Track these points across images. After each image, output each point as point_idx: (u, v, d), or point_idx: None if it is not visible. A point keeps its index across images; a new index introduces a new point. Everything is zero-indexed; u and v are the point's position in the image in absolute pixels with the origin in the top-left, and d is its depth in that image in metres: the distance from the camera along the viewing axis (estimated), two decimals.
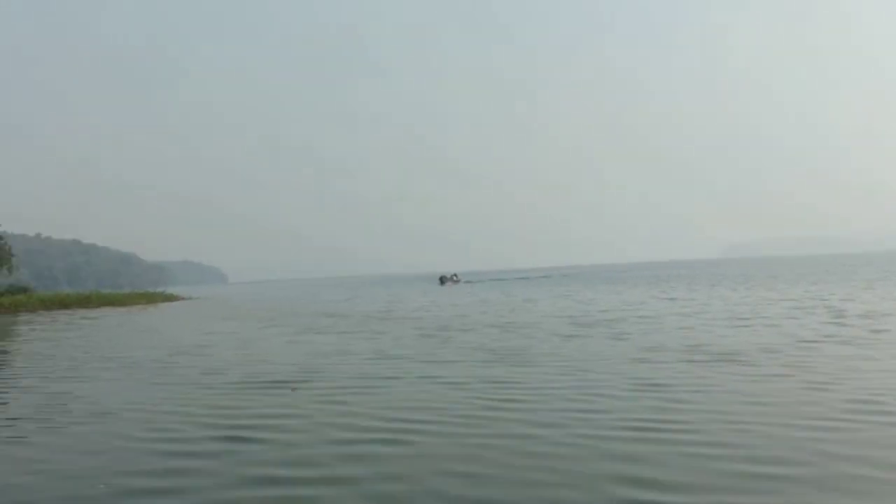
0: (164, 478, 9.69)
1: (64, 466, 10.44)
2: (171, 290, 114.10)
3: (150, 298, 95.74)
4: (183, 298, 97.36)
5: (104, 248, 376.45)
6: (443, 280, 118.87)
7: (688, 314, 32.69)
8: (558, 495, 8.38)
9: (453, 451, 10.45)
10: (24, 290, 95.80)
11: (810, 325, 25.73)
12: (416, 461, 10.00)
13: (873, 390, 13.38)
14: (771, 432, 10.65)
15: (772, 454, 9.61)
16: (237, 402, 15.01)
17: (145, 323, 48.19)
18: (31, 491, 9.41)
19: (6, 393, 18.15)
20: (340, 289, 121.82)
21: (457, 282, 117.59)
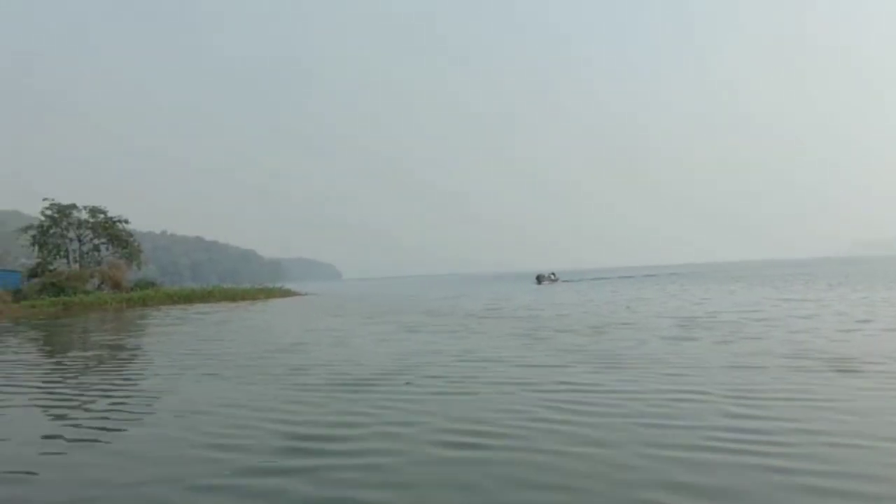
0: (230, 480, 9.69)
1: (128, 468, 10.56)
2: (287, 286, 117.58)
3: (269, 293, 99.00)
4: (298, 294, 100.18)
5: (225, 245, 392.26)
6: (540, 279, 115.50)
7: (803, 317, 30.98)
8: None
9: (522, 458, 10.10)
10: (152, 284, 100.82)
11: None
12: (481, 468, 9.68)
13: None
14: (870, 451, 9.80)
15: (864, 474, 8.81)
16: (315, 402, 14.98)
17: (257, 318, 49.62)
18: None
19: (106, 386, 18.87)
20: (447, 287, 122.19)
21: (555, 280, 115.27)
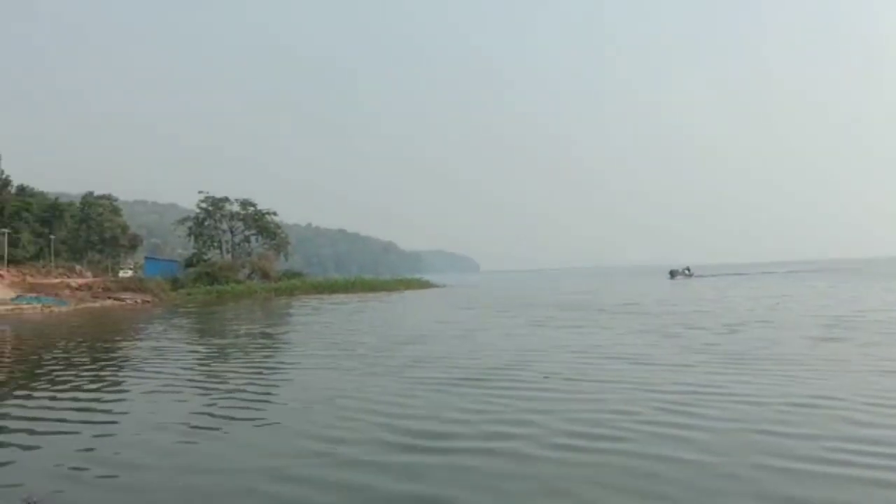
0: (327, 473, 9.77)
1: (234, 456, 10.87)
2: (426, 277, 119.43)
3: (408, 284, 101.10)
4: (435, 286, 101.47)
5: (367, 237, 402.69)
6: (673, 274, 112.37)
7: None
8: None
9: (623, 463, 9.80)
10: (298, 274, 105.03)
11: None
12: (577, 471, 9.50)
13: None
14: None
15: None
16: (427, 397, 15.08)
17: (389, 309, 50.78)
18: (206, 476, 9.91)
19: (231, 374, 19.75)
20: (582, 281, 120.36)
21: (689, 276, 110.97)
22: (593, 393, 14.98)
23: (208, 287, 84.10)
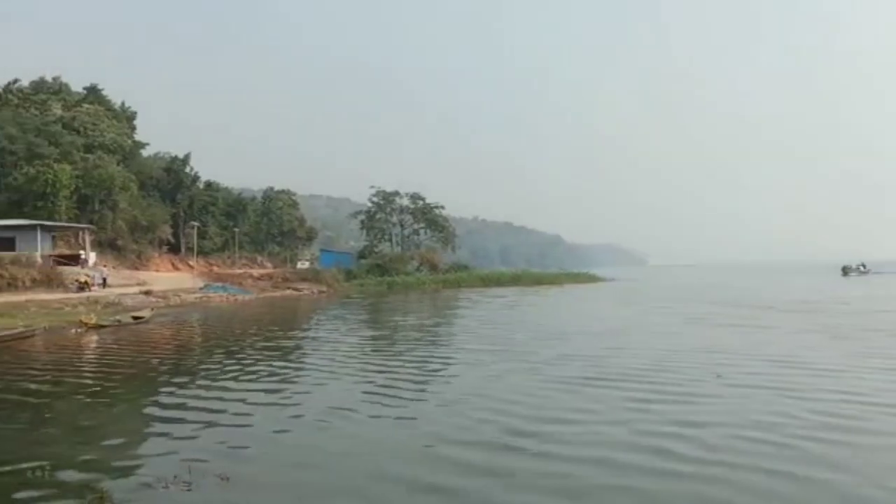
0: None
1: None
2: (592, 271, 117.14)
3: (574, 279, 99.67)
4: (601, 280, 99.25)
5: (533, 231, 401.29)
6: (846, 270, 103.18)
7: None
8: None
9: (739, 479, 9.25)
10: (465, 267, 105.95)
11: None
12: (681, 486, 9.09)
13: None
14: None
15: None
16: (557, 396, 14.93)
17: (547, 304, 50.60)
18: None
19: (375, 367, 20.22)
20: (748, 276, 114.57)
21: (865, 272, 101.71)
22: (730, 399, 14.26)
23: (379, 278, 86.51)
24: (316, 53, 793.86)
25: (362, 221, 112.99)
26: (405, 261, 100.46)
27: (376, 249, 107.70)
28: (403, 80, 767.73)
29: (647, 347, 22.68)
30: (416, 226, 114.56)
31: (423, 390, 16.23)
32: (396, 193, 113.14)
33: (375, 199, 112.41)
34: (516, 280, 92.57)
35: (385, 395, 15.60)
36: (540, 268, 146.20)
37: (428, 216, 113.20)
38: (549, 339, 25.67)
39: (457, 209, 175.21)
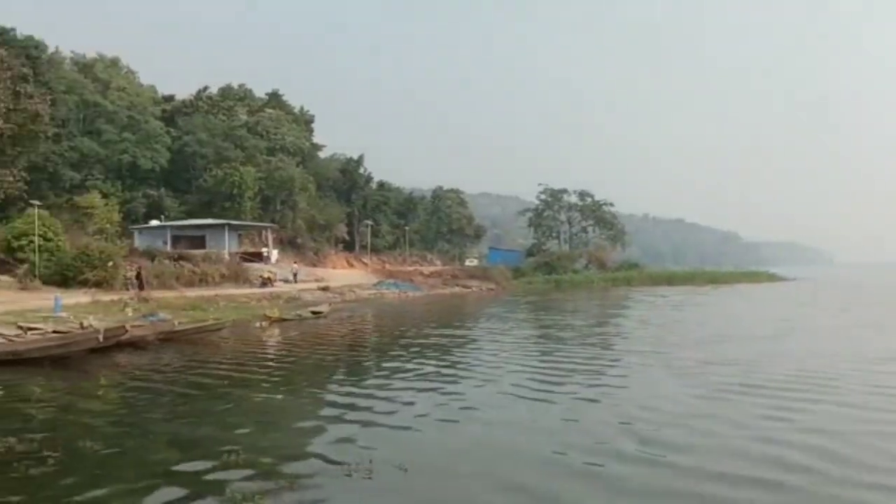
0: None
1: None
2: (770, 270, 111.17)
3: (752, 277, 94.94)
4: (781, 279, 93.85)
5: (706, 228, 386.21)
6: None
7: None
8: None
9: None
10: (634, 265, 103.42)
11: None
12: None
13: None
14: None
15: None
16: (692, 403, 14.17)
17: (713, 303, 48.02)
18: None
19: (544, 363, 20.11)
20: None
21: None
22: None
23: (547, 276, 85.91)
24: (488, 56, 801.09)
25: (530, 219, 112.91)
26: (573, 259, 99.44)
27: (544, 247, 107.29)
28: (570, 79, 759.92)
29: (815, 353, 21.25)
30: (584, 223, 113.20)
31: (575, 392, 15.73)
32: (564, 191, 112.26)
33: (543, 197, 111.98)
34: (689, 279, 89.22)
35: (525, 394, 15.39)
36: (714, 266, 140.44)
37: (596, 213, 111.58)
38: (704, 342, 24.66)
39: (626, 206, 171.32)
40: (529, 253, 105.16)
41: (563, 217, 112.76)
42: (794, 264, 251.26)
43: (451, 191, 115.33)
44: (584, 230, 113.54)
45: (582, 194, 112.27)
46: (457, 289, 70.22)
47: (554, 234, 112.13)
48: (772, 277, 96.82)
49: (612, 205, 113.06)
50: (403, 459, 10.10)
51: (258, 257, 63.50)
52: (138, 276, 42.04)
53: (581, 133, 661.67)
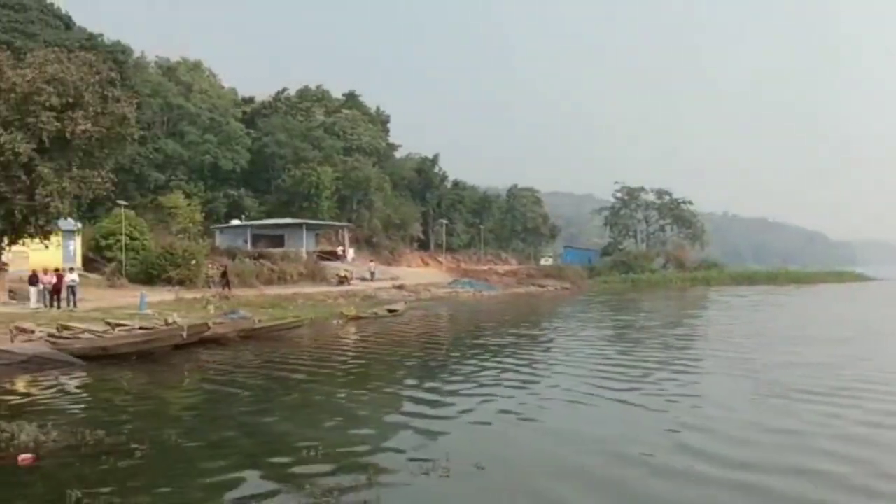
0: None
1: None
2: (859, 270, 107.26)
3: (838, 278, 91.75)
4: (871, 279, 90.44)
5: (791, 227, 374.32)
6: None
7: None
8: None
9: None
10: (714, 265, 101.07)
11: None
12: None
13: None
14: None
15: None
16: (752, 409, 13.74)
17: (792, 304, 46.50)
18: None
19: (615, 364, 19.81)
20: None
21: None
22: None
23: (623, 275, 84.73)
24: (562, 55, 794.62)
25: (606, 218, 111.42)
26: (651, 258, 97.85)
27: (620, 246, 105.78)
28: (646, 79, 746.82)
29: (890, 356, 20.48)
30: (661, 222, 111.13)
31: (639, 393, 15.50)
32: (642, 189, 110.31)
33: (620, 195, 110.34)
34: (771, 279, 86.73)
35: (601, 394, 15.31)
36: (799, 266, 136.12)
37: (674, 212, 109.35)
38: (779, 343, 24.10)
39: (705, 204, 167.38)
40: (605, 252, 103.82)
41: (639, 215, 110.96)
42: (885, 264, 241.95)
43: (527, 189, 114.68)
44: (662, 229, 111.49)
45: (659, 192, 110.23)
46: (532, 288, 69.75)
47: (630, 233, 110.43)
48: (859, 277, 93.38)
49: (690, 203, 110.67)
50: (480, 457, 10.12)
51: (335, 256, 64.31)
52: (224, 275, 43.18)
53: (659, 131, 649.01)
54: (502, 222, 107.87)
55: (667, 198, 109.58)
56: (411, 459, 10.11)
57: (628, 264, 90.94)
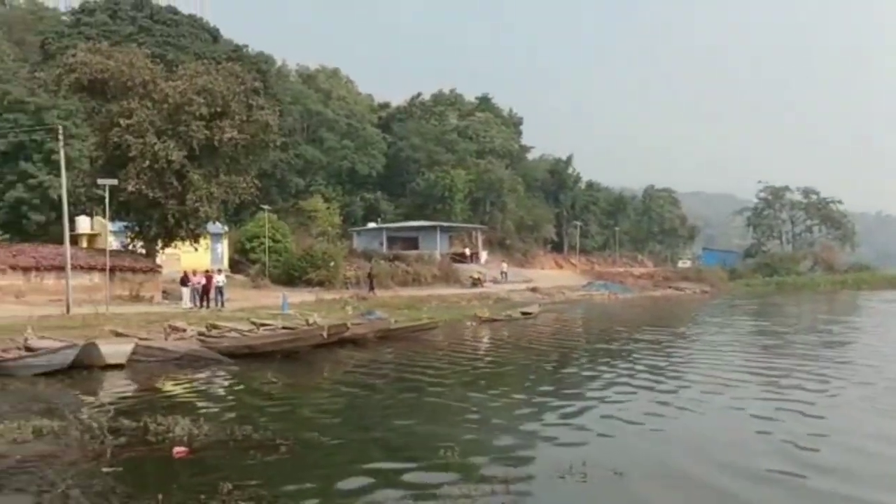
0: None
1: None
2: None
3: None
4: None
5: None
6: None
7: None
8: None
9: None
10: (866, 268, 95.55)
11: None
12: None
13: None
14: None
15: None
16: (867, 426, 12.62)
17: None
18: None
19: (754, 375, 18.87)
20: None
21: None
22: None
23: (767, 278, 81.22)
24: (699, 52, 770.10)
25: (748, 219, 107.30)
26: (797, 260, 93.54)
27: (764, 248, 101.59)
28: (787, 79, 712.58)
29: None
30: (808, 222, 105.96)
31: (779, 404, 14.56)
32: (786, 188, 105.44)
33: (763, 195, 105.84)
34: None
35: (741, 405, 14.53)
36: None
37: (822, 212, 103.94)
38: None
39: (856, 204, 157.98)
40: (747, 254, 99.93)
41: (784, 216, 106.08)
42: None
43: (663, 190, 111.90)
44: (809, 230, 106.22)
45: (806, 191, 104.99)
46: (669, 291, 67.85)
47: (775, 234, 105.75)
48: None
49: (840, 202, 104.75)
50: (618, 463, 9.92)
51: (468, 258, 64.71)
52: (370, 276, 44.34)
53: (803, 129, 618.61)
54: (638, 224, 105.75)
55: (814, 197, 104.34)
56: (547, 464, 9.98)
57: (772, 267, 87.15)
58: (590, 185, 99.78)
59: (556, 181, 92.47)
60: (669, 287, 69.87)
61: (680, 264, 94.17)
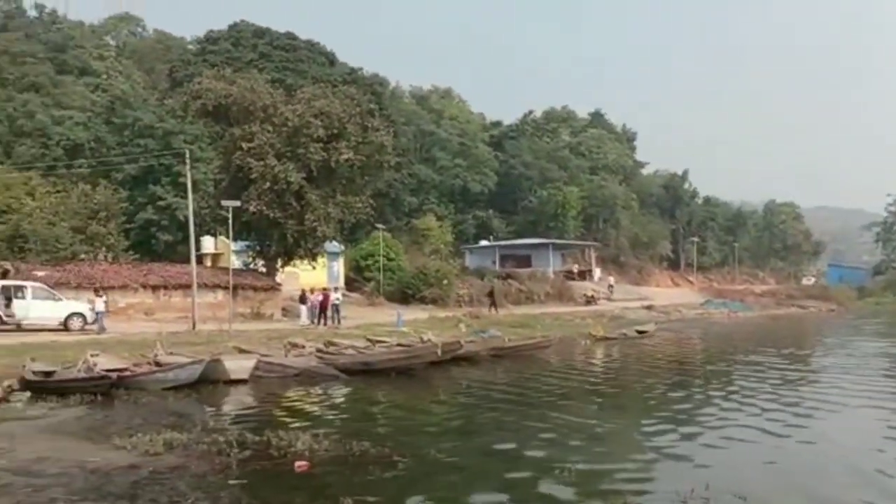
0: None
1: None
2: None
3: None
4: None
5: None
6: None
7: None
8: None
9: None
10: None
11: None
12: None
13: None
14: None
15: None
16: None
17: None
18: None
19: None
20: None
21: None
22: None
23: None
24: (814, 56, 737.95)
25: (878, 234, 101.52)
26: None
27: (894, 265, 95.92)
28: None
29: None
30: None
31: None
32: None
33: (893, 209, 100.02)
34: None
35: (868, 429, 13.93)
36: None
37: None
38: None
39: None
40: (877, 271, 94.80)
41: None
42: None
43: (785, 205, 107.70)
44: None
45: None
46: (792, 309, 65.02)
47: None
48: None
49: None
50: (741, 488, 9.57)
51: (581, 275, 63.90)
52: (491, 294, 44.49)
53: None
54: (758, 240, 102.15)
55: None
56: (667, 487, 9.70)
57: None
58: (707, 200, 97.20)
59: (671, 196, 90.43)
60: (793, 305, 67.05)
61: (804, 281, 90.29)
